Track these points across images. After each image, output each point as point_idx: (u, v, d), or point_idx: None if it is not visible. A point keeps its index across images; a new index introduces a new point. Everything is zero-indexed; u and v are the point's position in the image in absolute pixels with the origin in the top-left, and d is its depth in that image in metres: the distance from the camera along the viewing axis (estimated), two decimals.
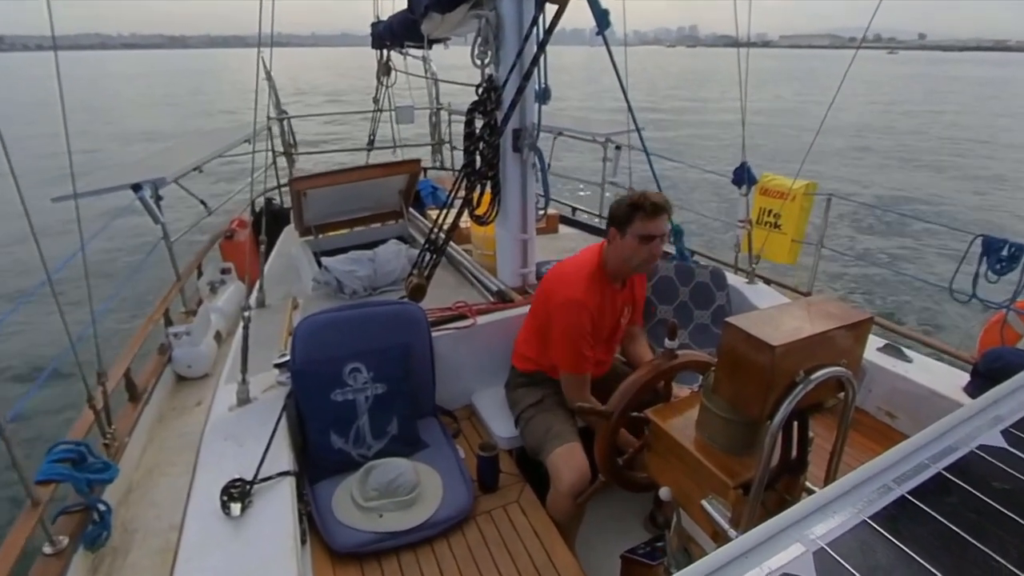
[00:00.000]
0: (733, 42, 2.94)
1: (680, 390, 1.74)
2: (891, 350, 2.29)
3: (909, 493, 0.78)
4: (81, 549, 1.77)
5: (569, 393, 1.96)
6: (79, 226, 1.86)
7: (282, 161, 5.27)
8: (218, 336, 3.47)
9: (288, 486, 1.59)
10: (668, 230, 1.86)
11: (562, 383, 1.98)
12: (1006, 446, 0.87)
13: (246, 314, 1.97)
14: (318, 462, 1.89)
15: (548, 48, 2.31)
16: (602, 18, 2.27)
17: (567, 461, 1.79)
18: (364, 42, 5.33)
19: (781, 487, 1.23)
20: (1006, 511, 0.76)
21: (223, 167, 5.64)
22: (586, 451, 1.82)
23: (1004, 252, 3.16)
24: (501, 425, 2.14)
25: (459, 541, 1.72)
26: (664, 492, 1.32)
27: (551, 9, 2.25)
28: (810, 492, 1.22)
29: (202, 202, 4.24)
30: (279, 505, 1.52)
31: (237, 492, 1.50)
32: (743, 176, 3.25)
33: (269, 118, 4.71)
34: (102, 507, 1.81)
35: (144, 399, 2.70)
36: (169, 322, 3.31)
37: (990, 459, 0.84)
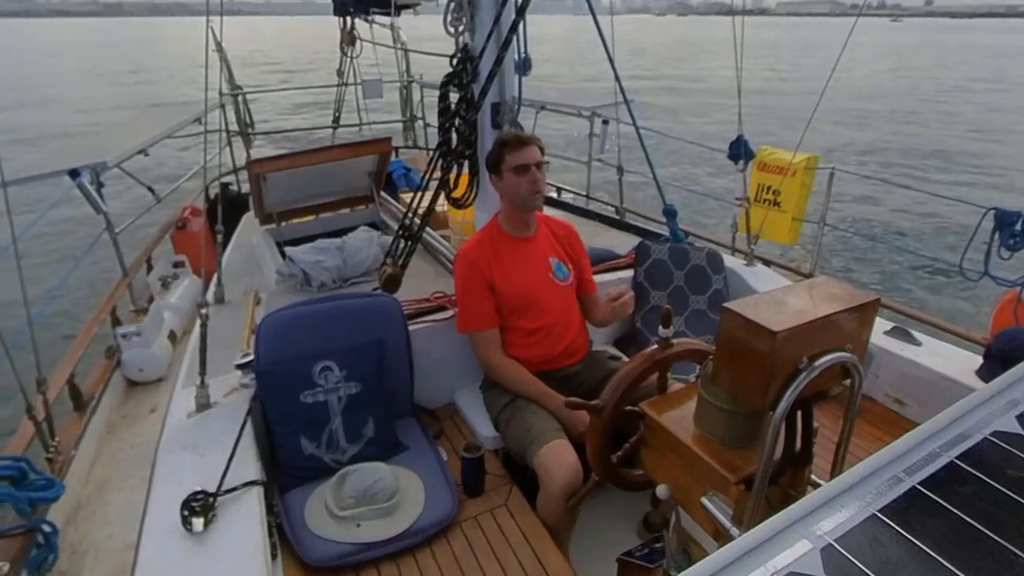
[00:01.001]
0: (727, 10, 2.95)
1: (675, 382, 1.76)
2: (899, 333, 2.34)
3: (920, 484, 0.79)
4: (24, 575, 1.74)
5: (477, 354, 2.12)
6: (9, 218, 1.82)
7: (238, 142, 5.19)
8: (172, 336, 3.43)
9: (256, 497, 1.58)
10: (542, 159, 2.03)
11: (472, 345, 2.12)
12: (1022, 432, 0.88)
13: (203, 311, 1.94)
14: (288, 470, 1.87)
15: (528, 16, 2.29)
16: None
17: (556, 460, 1.79)
18: (326, 9, 5.23)
19: (785, 481, 1.25)
20: (1023, 500, 0.77)
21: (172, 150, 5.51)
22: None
23: (1018, 226, 3.18)
24: (486, 424, 2.14)
25: (444, 549, 1.72)
26: (661, 490, 1.33)
27: None
28: (816, 486, 1.23)
29: (149, 188, 4.15)
30: (246, 518, 1.51)
31: (199, 506, 1.48)
32: (740, 150, 3.26)
33: (222, 94, 4.61)
34: (47, 528, 1.78)
35: (91, 407, 2.66)
36: (117, 322, 3.26)
37: (1005, 446, 0.86)
